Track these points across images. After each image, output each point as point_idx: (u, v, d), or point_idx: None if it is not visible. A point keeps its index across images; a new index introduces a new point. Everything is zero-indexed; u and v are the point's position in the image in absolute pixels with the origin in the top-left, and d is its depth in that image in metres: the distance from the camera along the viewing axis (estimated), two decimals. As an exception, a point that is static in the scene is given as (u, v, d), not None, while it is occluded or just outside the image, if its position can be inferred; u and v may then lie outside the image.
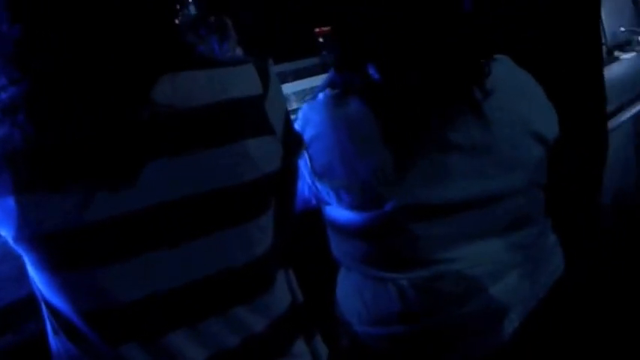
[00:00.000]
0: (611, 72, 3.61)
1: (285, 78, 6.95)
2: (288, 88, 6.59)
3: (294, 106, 6.24)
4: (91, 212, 0.99)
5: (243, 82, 1.12)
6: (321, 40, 7.43)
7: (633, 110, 3.77)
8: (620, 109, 3.62)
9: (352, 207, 1.55)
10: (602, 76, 2.23)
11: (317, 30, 7.41)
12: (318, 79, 6.51)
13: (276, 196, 1.17)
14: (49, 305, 1.10)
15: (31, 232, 1.00)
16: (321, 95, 1.55)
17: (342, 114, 1.49)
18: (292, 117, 1.25)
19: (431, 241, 1.53)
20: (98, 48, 0.97)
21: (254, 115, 1.11)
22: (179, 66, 1.06)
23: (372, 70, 1.46)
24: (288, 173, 1.21)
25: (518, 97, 1.55)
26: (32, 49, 0.97)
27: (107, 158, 0.99)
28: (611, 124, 2.89)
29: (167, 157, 1.02)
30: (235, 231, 1.10)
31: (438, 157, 1.49)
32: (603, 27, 3.88)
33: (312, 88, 6.46)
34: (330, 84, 1.57)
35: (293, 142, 1.21)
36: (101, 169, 0.99)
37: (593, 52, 2.23)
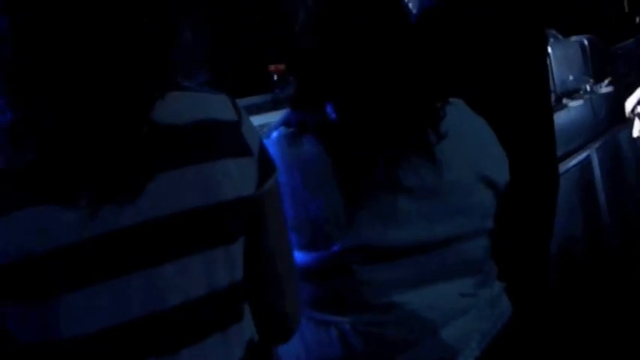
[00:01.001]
0: (560, 119, 3.67)
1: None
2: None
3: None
4: (51, 239, 0.97)
5: (220, 107, 1.15)
6: (275, 77, 7.48)
7: (580, 157, 3.84)
8: (568, 156, 3.69)
9: (300, 247, 1.52)
10: (552, 121, 2.25)
11: (271, 67, 7.46)
12: (271, 116, 6.56)
13: (254, 221, 1.17)
14: None
15: None
16: (275, 133, 1.53)
17: (295, 153, 1.48)
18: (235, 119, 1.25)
19: (377, 284, 1.51)
20: (99, 70, 0.99)
21: (233, 137, 1.14)
22: (168, 88, 1.09)
23: (328, 110, 1.45)
24: (265, 199, 1.19)
25: (471, 142, 1.56)
26: (34, 71, 0.97)
27: (111, 174, 0.99)
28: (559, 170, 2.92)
29: (157, 172, 1.03)
30: (216, 252, 1.10)
31: (388, 199, 1.48)
32: (553, 75, 3.96)
33: (263, 125, 6.50)
34: (285, 122, 1.55)
35: (269, 165, 1.21)
36: (104, 183, 0.99)
37: (542, 99, 2.26)
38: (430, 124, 1.47)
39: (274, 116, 7.23)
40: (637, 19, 5.72)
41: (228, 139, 1.13)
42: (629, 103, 3.24)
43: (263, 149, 1.21)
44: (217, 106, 1.15)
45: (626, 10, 6.25)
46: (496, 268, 1.71)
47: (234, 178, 1.11)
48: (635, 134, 3.30)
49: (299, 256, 1.53)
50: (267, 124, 7.42)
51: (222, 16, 7.39)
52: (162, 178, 1.03)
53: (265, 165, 1.20)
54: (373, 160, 1.44)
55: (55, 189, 0.96)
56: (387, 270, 1.51)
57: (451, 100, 1.56)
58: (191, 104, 1.11)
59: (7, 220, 0.95)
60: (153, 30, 1.04)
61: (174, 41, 1.09)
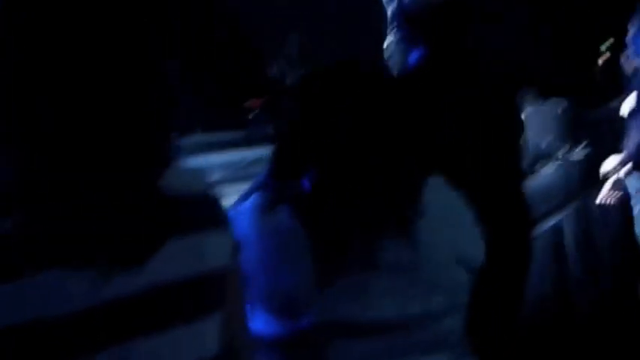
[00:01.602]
0: (532, 184, 3.70)
1: (211, 147, 6.96)
2: (212, 158, 6.60)
3: (216, 177, 6.23)
4: (62, 304, 0.98)
5: (200, 180, 1.20)
6: (250, 113, 7.49)
7: (552, 222, 3.86)
8: (540, 220, 3.70)
9: (268, 316, 1.49)
10: (523, 193, 2.26)
11: (248, 102, 7.49)
12: (245, 153, 6.54)
13: (226, 298, 1.19)
14: None
15: None
16: (250, 201, 1.51)
17: (270, 222, 1.45)
18: (213, 190, 1.25)
19: (346, 360, 1.48)
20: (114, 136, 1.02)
21: (216, 209, 1.19)
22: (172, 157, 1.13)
23: (306, 182, 1.44)
24: (233, 272, 1.22)
25: (447, 220, 1.54)
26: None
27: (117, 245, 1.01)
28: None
29: (158, 241, 1.06)
30: (203, 322, 1.13)
31: (363, 275, 1.45)
32: (527, 138, 4.00)
33: (236, 162, 6.47)
34: (261, 188, 1.53)
35: (237, 240, 1.24)
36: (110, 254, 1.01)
37: (515, 170, 2.28)
38: (408, 203, 1.46)
39: (247, 153, 7.15)
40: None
41: (213, 211, 1.18)
42: (604, 168, 3.28)
43: (232, 222, 1.25)
44: (202, 181, 1.20)
45: (600, 75, 6.38)
46: (471, 341, 1.68)
47: (218, 250, 1.15)
48: (598, 200, 3.35)
49: (267, 326, 1.50)
50: (241, 161, 7.28)
51: (199, 49, 7.44)
52: (163, 246, 1.06)
53: (235, 238, 1.23)
54: (349, 235, 1.42)
55: (67, 255, 0.98)
56: (358, 346, 1.48)
57: (430, 176, 1.55)
58: (185, 177, 1.15)
59: (20, 284, 0.96)
60: (158, 99, 1.08)
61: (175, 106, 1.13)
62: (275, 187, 1.49)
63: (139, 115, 1.05)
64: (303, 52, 7.49)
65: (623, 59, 3.57)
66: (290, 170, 1.47)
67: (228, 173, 6.29)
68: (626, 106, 3.35)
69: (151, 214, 1.05)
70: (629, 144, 3.04)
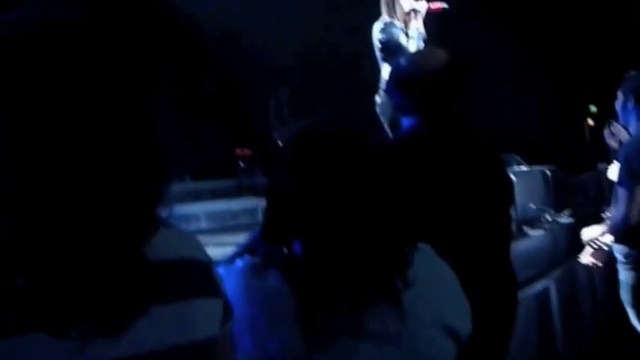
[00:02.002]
0: (520, 247, 3.71)
1: (200, 196, 6.93)
2: (200, 207, 6.55)
3: (203, 226, 6.19)
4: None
5: (197, 247, 1.18)
6: (241, 163, 7.50)
7: (538, 286, 3.86)
8: (526, 284, 3.70)
9: (255, 380, 1.47)
10: (510, 258, 2.27)
11: (238, 151, 7.51)
12: (233, 203, 6.51)
13: None
14: None
15: None
16: (239, 262, 1.50)
17: (259, 286, 1.44)
18: (199, 238, 1.24)
19: None
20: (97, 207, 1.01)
21: (207, 278, 1.16)
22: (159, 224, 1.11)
23: (296, 246, 1.43)
24: (224, 341, 1.19)
25: (436, 291, 1.54)
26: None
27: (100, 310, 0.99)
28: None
29: (143, 308, 1.03)
30: None
31: (350, 343, 1.44)
32: (515, 203, 4.03)
33: (224, 212, 6.44)
34: (249, 249, 1.52)
35: (229, 307, 1.21)
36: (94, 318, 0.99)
37: (503, 235, 2.29)
38: (398, 272, 1.46)
39: (237, 203, 7.05)
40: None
41: (203, 280, 1.15)
42: (587, 234, 3.29)
43: (224, 291, 1.22)
44: (194, 246, 1.17)
45: (588, 139, 6.47)
46: None
47: (206, 318, 1.13)
48: (581, 260, 3.36)
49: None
50: (230, 210, 7.18)
51: (190, 96, 7.47)
52: (146, 313, 1.03)
53: (227, 307, 1.20)
54: (337, 302, 1.42)
55: (46, 319, 0.95)
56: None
57: (419, 245, 1.55)
58: (175, 242, 1.13)
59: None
60: (148, 170, 1.06)
61: (168, 178, 1.11)
62: (265, 250, 1.48)
63: (129, 177, 1.04)
64: (294, 104, 7.55)
65: (606, 134, 3.60)
66: (280, 234, 1.47)
67: (215, 223, 6.26)
68: (613, 171, 3.40)
69: (136, 279, 1.03)
70: (614, 215, 3.06)
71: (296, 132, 1.61)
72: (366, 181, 1.49)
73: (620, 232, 2.99)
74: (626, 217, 2.92)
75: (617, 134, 3.47)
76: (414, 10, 4.19)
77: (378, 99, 4.27)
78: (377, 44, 4.19)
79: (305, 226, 1.44)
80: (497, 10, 7.11)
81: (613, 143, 3.62)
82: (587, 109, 6.18)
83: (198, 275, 1.14)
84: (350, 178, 1.48)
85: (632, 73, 3.19)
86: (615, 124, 3.53)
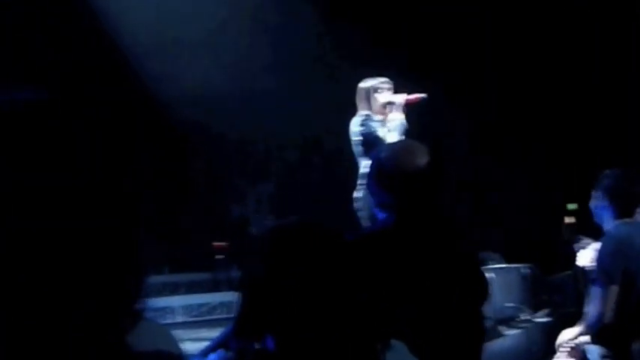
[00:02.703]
0: (496, 347, 3.68)
1: (177, 289, 6.87)
2: (177, 300, 6.49)
3: (178, 319, 6.12)
4: None
5: (172, 340, 1.23)
6: (218, 256, 7.46)
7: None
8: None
9: None
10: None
11: (215, 244, 7.48)
12: (209, 297, 6.45)
13: None
14: None
15: None
16: (212, 356, 1.49)
17: None
18: (173, 332, 1.29)
19: None
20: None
21: None
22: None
23: (268, 342, 1.42)
24: None
25: None
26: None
27: None
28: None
29: None
30: None
31: None
32: (492, 301, 4.01)
33: (200, 305, 6.38)
34: (223, 344, 1.51)
35: None
36: None
37: (478, 334, 2.27)
38: None
39: (213, 297, 6.99)
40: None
41: None
42: (562, 337, 3.27)
43: None
44: (168, 339, 1.21)
45: (565, 238, 6.50)
46: None
47: None
48: None
49: None
50: (207, 304, 7.10)
51: (169, 191, 7.51)
52: None
53: None
54: None
55: None
56: None
57: (392, 342, 1.54)
58: (149, 335, 1.13)
59: None
60: (128, 268, 1.07)
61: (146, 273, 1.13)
62: (239, 346, 1.47)
63: (107, 271, 1.05)
64: (271, 201, 7.58)
65: (577, 250, 3.63)
66: (252, 329, 1.46)
67: (191, 316, 6.18)
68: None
69: None
70: (589, 314, 3.06)
71: (270, 226, 1.63)
72: (337, 276, 1.50)
73: (596, 332, 2.98)
74: (601, 316, 2.92)
75: (585, 248, 3.49)
76: (391, 103, 4.25)
77: (356, 195, 4.28)
78: (355, 139, 4.24)
79: (277, 321, 1.44)
80: (476, 110, 7.28)
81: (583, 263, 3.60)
82: (566, 207, 6.24)
83: None
84: (321, 273, 1.49)
85: (607, 172, 3.23)
86: (582, 238, 3.55)
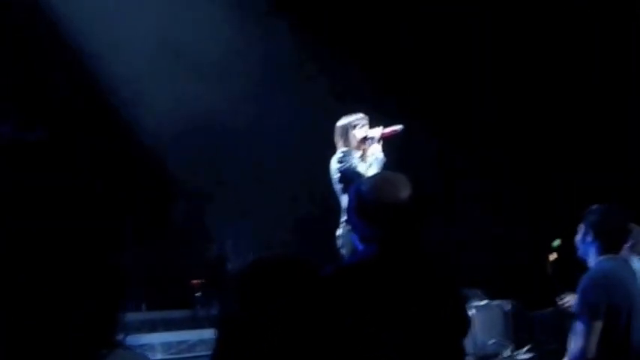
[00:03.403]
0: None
1: (156, 327, 6.78)
2: (156, 337, 6.41)
3: (158, 357, 6.03)
4: None
5: None
6: (197, 293, 7.39)
7: None
8: None
9: None
10: None
11: (194, 282, 7.41)
12: (189, 334, 6.37)
13: None
14: None
15: None
16: None
17: None
18: None
19: None
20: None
21: None
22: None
23: None
24: None
25: None
26: None
27: None
28: None
29: None
30: None
31: None
32: (474, 337, 3.97)
33: (180, 342, 6.29)
34: None
35: None
36: None
37: None
38: None
39: (192, 334, 6.94)
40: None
41: None
42: None
43: None
44: None
45: (549, 274, 6.46)
46: None
47: None
48: None
49: None
50: (186, 341, 7.04)
51: (147, 227, 7.46)
52: None
53: None
54: None
55: None
56: None
57: None
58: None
59: None
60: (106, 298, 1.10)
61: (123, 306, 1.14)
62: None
63: (84, 297, 1.06)
64: (248, 237, 7.54)
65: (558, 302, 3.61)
66: None
67: (170, 354, 6.10)
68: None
69: None
70: (572, 349, 3.03)
71: (246, 262, 1.62)
72: (314, 309, 1.47)
73: None
74: (584, 351, 2.89)
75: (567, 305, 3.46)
76: (368, 138, 4.29)
77: (338, 232, 4.27)
78: (335, 175, 4.25)
79: (254, 358, 1.42)
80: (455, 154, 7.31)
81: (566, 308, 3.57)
82: (550, 243, 6.23)
83: None
84: (297, 307, 1.46)
85: (594, 207, 3.23)
86: (564, 296, 3.53)
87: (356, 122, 4.37)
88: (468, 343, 3.78)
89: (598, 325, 2.93)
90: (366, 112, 4.42)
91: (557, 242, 5.91)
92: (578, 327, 2.95)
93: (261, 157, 7.41)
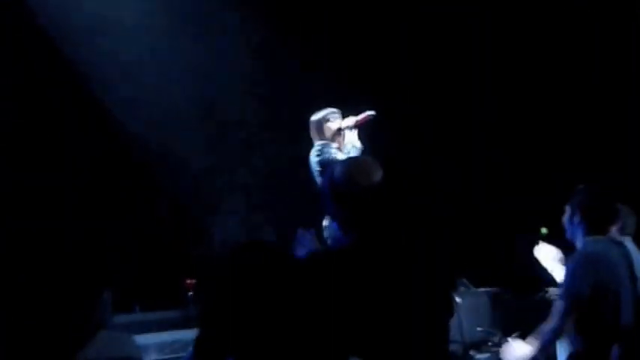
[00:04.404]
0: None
1: (149, 327, 6.79)
2: (149, 338, 6.42)
3: (152, 357, 6.04)
4: None
5: (133, 346, 1.27)
6: (190, 293, 7.41)
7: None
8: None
9: None
10: None
11: (187, 281, 7.43)
12: (181, 334, 6.39)
13: None
14: None
15: None
16: None
17: None
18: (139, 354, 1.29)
19: None
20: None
21: None
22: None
23: None
24: None
25: None
26: None
27: None
28: None
29: None
30: None
31: None
32: (462, 324, 4.00)
33: (173, 342, 6.31)
34: None
35: None
36: None
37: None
38: None
39: (185, 334, 6.99)
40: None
41: None
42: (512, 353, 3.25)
43: None
44: (131, 345, 1.25)
45: (534, 262, 6.50)
46: None
47: None
48: None
49: None
50: (179, 340, 7.06)
51: (137, 225, 7.45)
52: None
53: None
54: None
55: None
56: None
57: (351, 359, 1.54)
58: (112, 342, 1.20)
59: None
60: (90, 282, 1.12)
61: (109, 283, 1.16)
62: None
63: (70, 288, 1.10)
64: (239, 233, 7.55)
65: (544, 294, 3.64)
66: (215, 351, 1.46)
67: (164, 353, 6.11)
68: (539, 251, 3.40)
69: None
70: (545, 326, 3.04)
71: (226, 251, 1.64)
72: (288, 294, 1.50)
73: (547, 347, 2.97)
74: (556, 331, 2.91)
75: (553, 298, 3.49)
76: (342, 128, 4.36)
77: (325, 222, 4.29)
78: (315, 168, 4.28)
79: (235, 342, 1.46)
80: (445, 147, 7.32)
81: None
82: (539, 231, 6.25)
83: None
84: (271, 291, 1.49)
85: (581, 187, 3.24)
86: (548, 290, 3.55)
87: (328, 116, 4.49)
88: (456, 332, 3.81)
89: (578, 309, 2.95)
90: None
91: (544, 230, 5.95)
92: (558, 306, 2.98)
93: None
